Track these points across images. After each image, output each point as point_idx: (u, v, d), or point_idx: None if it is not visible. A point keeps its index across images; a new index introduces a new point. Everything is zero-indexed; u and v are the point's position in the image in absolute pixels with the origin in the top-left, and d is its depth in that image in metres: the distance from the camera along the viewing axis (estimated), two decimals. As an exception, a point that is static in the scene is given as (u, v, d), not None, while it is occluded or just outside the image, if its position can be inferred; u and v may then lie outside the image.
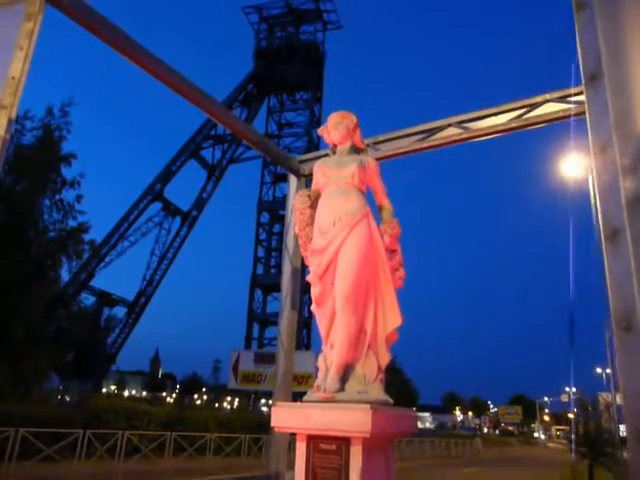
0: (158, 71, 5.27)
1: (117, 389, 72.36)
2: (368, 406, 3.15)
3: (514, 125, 5.63)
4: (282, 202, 49.46)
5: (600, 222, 1.62)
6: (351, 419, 3.14)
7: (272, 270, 53.59)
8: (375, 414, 3.12)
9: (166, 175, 53.04)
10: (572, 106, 5.38)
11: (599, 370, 44.35)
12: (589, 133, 2.27)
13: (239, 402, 53.00)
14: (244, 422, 23.33)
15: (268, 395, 42.81)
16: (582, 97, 5.51)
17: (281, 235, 54.99)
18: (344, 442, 3.22)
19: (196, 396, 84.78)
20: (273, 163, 52.13)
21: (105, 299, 50.27)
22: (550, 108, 5.67)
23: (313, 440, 3.34)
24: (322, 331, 3.70)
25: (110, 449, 15.14)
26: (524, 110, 5.84)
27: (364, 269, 3.53)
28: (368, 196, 3.90)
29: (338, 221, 3.57)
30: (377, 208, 3.95)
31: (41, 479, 12.39)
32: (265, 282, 52.66)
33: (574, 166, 20.11)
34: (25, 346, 19.90)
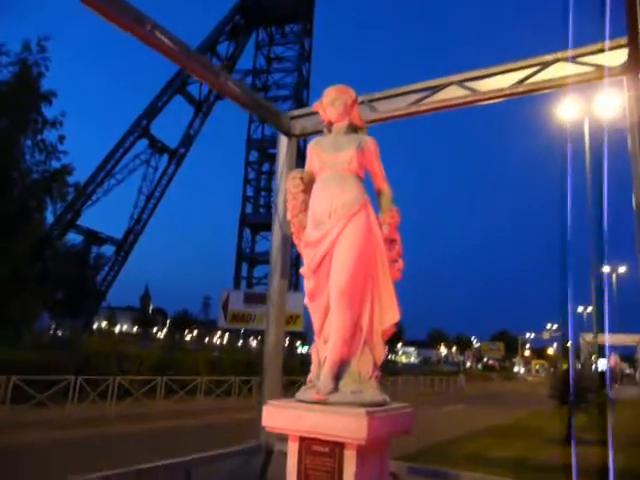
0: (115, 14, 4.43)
1: (108, 325, 73.28)
2: (363, 412, 3.00)
3: (521, 90, 5.25)
4: (271, 141, 48.39)
5: None
6: (345, 425, 3.00)
7: (261, 210, 53.33)
8: (370, 420, 2.98)
9: (152, 111, 51.48)
10: (587, 69, 5.00)
11: (580, 309, 45.58)
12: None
13: (229, 338, 53.95)
14: (234, 362, 23.82)
15: (257, 333, 43.61)
16: (597, 58, 5.14)
17: (270, 174, 54.41)
18: (338, 446, 3.10)
19: (187, 332, 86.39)
20: (261, 121, 50.65)
21: (93, 238, 49.97)
22: (561, 69, 5.27)
23: (306, 442, 3.21)
24: (315, 324, 3.51)
25: (102, 393, 15.37)
26: (533, 70, 5.43)
27: (361, 264, 3.29)
28: (366, 179, 3.60)
29: (334, 212, 3.29)
30: (375, 192, 3.66)
31: (34, 423, 12.55)
32: (254, 221, 52.44)
33: (570, 109, 19.69)
34: (12, 289, 19.79)
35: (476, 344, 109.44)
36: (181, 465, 4.75)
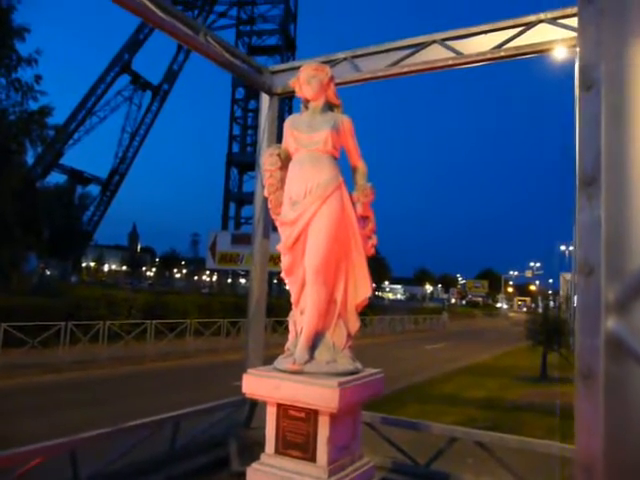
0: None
1: (96, 264, 73.75)
2: (336, 383, 3.22)
3: (503, 54, 5.21)
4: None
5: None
6: (319, 395, 3.23)
7: (248, 148, 52.55)
8: (343, 391, 3.21)
9: (134, 44, 49.61)
10: (571, 34, 4.96)
11: (563, 248, 46.52)
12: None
13: (218, 277, 54.55)
14: (222, 304, 24.31)
15: (247, 272, 44.18)
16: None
17: (257, 112, 53.26)
18: (312, 412, 3.34)
19: (175, 270, 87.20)
20: (245, 85, 48.82)
21: (77, 177, 49.35)
22: (544, 32, 5.23)
23: (283, 407, 3.45)
24: (293, 296, 3.68)
25: (93, 337, 15.75)
26: (516, 31, 5.38)
27: (335, 244, 3.42)
28: (341, 156, 3.67)
29: (309, 193, 3.38)
30: (351, 169, 3.74)
31: (27, 366, 12.93)
32: (241, 160, 51.82)
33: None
34: (-3, 234, 19.70)
35: (461, 281, 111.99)
36: (169, 420, 5.04)
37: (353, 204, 3.56)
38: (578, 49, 1.40)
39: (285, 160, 3.63)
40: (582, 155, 1.32)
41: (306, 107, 3.70)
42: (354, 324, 3.66)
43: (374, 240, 3.66)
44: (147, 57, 51.70)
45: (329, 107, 3.67)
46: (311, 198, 3.38)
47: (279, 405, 3.47)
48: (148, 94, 52.09)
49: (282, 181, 3.62)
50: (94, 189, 50.70)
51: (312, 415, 3.36)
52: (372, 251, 3.66)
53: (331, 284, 3.50)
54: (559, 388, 12.89)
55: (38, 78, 21.09)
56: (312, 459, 3.32)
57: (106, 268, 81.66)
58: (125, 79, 50.39)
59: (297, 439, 3.42)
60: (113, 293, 21.73)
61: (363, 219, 3.62)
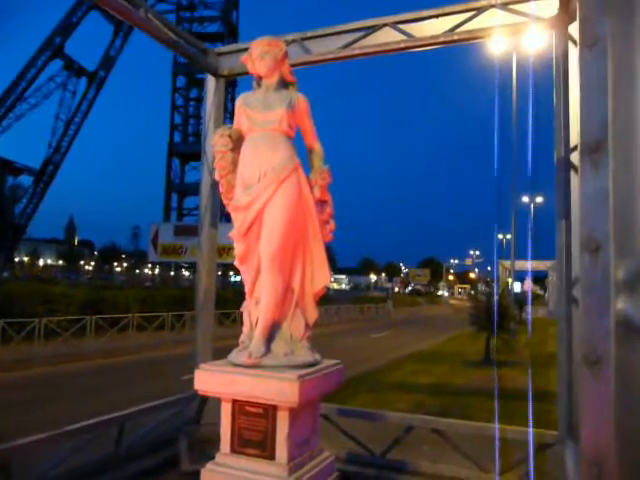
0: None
1: (31, 259, 70.16)
2: (295, 376, 3.05)
3: (455, 37, 5.16)
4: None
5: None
6: (278, 390, 3.05)
7: (190, 138, 51.21)
8: (302, 384, 3.05)
9: (66, 28, 47.12)
10: (518, 19, 4.97)
11: (500, 236, 48.20)
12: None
13: (160, 270, 53.11)
14: (166, 298, 23.59)
15: (190, 264, 43.22)
16: (530, 7, 5.10)
17: (199, 101, 51.93)
18: (271, 407, 3.17)
19: (116, 264, 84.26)
20: (186, 73, 47.32)
21: (7, 167, 46.67)
22: (493, 17, 5.21)
23: (238, 403, 3.26)
24: (247, 285, 3.47)
25: (28, 335, 14.91)
26: (467, 15, 5.34)
27: (291, 229, 3.24)
28: (297, 136, 3.48)
29: (264, 176, 3.17)
30: (307, 150, 3.56)
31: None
32: (183, 151, 50.45)
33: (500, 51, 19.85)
34: None
35: (405, 270, 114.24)
36: (113, 421, 4.73)
37: (310, 187, 3.38)
38: (578, 2, 1.26)
39: (237, 141, 3.40)
40: (585, 118, 1.18)
41: (259, 85, 3.48)
42: (312, 313, 3.49)
43: (332, 225, 3.51)
44: (82, 42, 49.29)
45: (284, 84, 3.46)
46: (266, 181, 3.17)
47: (234, 401, 3.27)
48: (83, 80, 49.65)
49: (234, 163, 3.39)
50: (26, 180, 48.10)
51: (270, 411, 3.18)
52: (330, 237, 3.50)
53: (288, 272, 3.32)
54: (502, 371, 13.29)
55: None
56: (271, 457, 3.15)
57: (42, 263, 77.90)
58: (58, 64, 47.88)
59: (254, 436, 3.24)
60: (49, 288, 20.63)
61: (321, 203, 3.45)
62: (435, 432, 5.09)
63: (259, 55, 3.34)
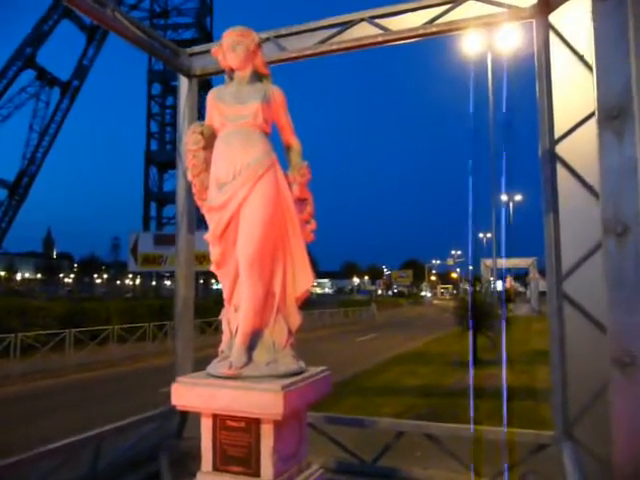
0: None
1: (7, 273, 68.58)
2: (279, 386, 2.85)
3: (434, 29, 5.03)
4: (175, 72, 44.97)
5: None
6: (261, 402, 2.84)
7: (167, 146, 50.67)
8: (287, 395, 2.84)
9: (37, 37, 46.31)
10: (497, 10, 4.85)
11: (481, 235, 48.51)
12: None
13: (141, 280, 52.34)
14: (147, 308, 23.18)
15: (171, 273, 42.65)
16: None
17: (174, 108, 51.43)
18: (254, 421, 2.96)
19: (96, 275, 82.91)
20: (161, 81, 46.77)
21: (-21, 182, 45.62)
22: (472, 8, 5.10)
23: (220, 417, 3.05)
24: (225, 291, 3.26)
25: (4, 351, 14.44)
26: (445, 8, 5.22)
27: (270, 230, 3.04)
28: (273, 131, 3.29)
29: (239, 174, 2.97)
30: (284, 147, 3.37)
31: None
32: (160, 159, 49.86)
33: (476, 46, 19.87)
34: None
35: (387, 272, 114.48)
36: (89, 441, 4.47)
37: (289, 185, 3.19)
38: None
39: (210, 138, 3.20)
40: (602, 81, 1.01)
41: (230, 78, 3.27)
42: (295, 319, 3.29)
43: (313, 225, 3.32)
44: (54, 51, 48.53)
45: (257, 77, 3.26)
46: (241, 179, 2.97)
47: (215, 416, 3.05)
48: (57, 91, 48.85)
49: (207, 162, 3.18)
50: (0, 193, 47.03)
51: (253, 424, 2.97)
52: (312, 237, 3.31)
53: (268, 275, 3.12)
54: (490, 370, 13.21)
55: None
56: (256, 474, 2.93)
57: (19, 277, 76.28)
58: (30, 74, 47.01)
59: (237, 452, 3.02)
60: (26, 302, 20.09)
61: (300, 202, 3.26)
62: (427, 437, 4.92)
63: (230, 46, 3.14)
